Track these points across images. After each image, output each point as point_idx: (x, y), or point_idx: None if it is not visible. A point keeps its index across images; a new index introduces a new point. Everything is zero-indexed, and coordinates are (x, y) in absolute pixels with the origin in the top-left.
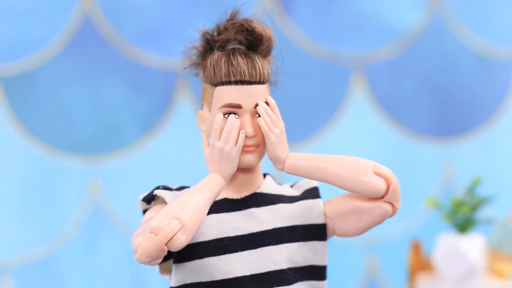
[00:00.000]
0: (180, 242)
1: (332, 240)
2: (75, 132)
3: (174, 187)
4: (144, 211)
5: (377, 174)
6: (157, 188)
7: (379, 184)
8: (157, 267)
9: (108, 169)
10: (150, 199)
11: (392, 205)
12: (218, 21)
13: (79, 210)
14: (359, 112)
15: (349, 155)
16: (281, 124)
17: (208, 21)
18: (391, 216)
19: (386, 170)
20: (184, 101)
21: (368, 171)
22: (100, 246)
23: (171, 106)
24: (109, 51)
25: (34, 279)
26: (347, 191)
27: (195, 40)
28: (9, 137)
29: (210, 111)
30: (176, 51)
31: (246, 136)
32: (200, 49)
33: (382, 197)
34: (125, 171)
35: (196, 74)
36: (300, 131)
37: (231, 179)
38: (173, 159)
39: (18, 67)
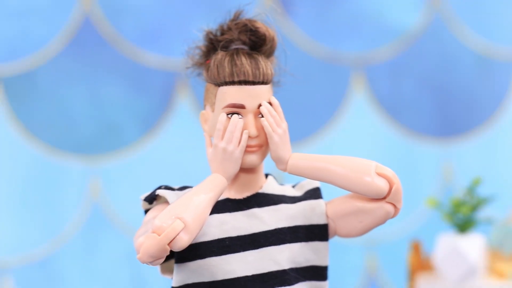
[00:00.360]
0: (183, 242)
1: (332, 240)
2: (75, 132)
3: (176, 187)
4: (146, 211)
5: (379, 174)
6: (159, 188)
7: (382, 185)
8: (158, 267)
9: (108, 169)
10: (152, 199)
11: (394, 206)
12: (221, 21)
13: (79, 210)
14: (359, 112)
15: (349, 155)
16: (284, 125)
17: (208, 21)
18: (393, 217)
19: (388, 171)
20: (184, 101)
21: (371, 172)
22: (100, 246)
23: (171, 106)
24: (109, 51)
25: (34, 279)
26: (349, 192)
27: (198, 40)
28: (9, 137)
29: (213, 111)
30: (176, 51)
31: (249, 136)
32: (203, 49)
33: (384, 198)
34: (125, 171)
35: (199, 74)
36: (300, 131)
37: (233, 179)
38: (173, 159)
39: (18, 67)
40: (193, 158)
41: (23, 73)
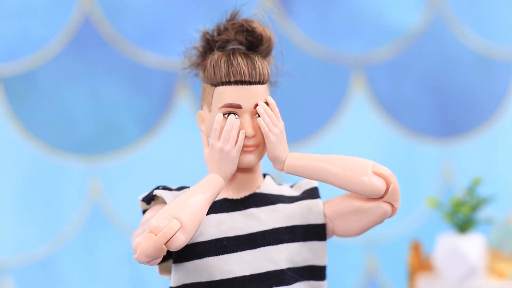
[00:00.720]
0: (180, 241)
1: (332, 240)
2: (75, 132)
3: (174, 187)
4: (144, 211)
5: (376, 174)
6: (157, 188)
7: (379, 184)
8: (156, 267)
9: (108, 169)
10: (149, 199)
11: (392, 205)
12: (218, 21)
13: (79, 210)
14: (359, 112)
15: (349, 155)
16: (281, 124)
17: (208, 21)
18: (390, 216)
19: (385, 170)
20: (184, 101)
21: (368, 171)
22: (100, 246)
23: (171, 106)
24: (109, 51)
25: (34, 279)
26: (347, 191)
27: (195, 41)
28: (9, 137)
29: (210, 111)
30: (176, 51)
31: (246, 136)
32: (200, 49)
33: (381, 197)
34: (125, 171)
35: (196, 75)
36: (300, 131)
37: (231, 179)
38: (173, 159)
39: (18, 67)
40: (193, 158)
41: (23, 73)
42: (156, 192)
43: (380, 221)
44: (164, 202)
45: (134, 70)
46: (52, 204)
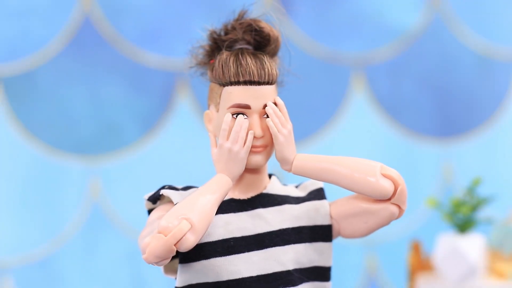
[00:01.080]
0: (189, 242)
1: None
2: (75, 132)
3: (180, 186)
4: (149, 211)
5: (384, 176)
6: (163, 187)
7: (387, 186)
8: (161, 267)
9: (108, 169)
10: (155, 198)
11: (399, 207)
12: (225, 20)
13: (79, 210)
14: (359, 112)
15: (349, 155)
16: (289, 125)
17: (208, 21)
18: (397, 218)
19: (393, 172)
20: (184, 101)
21: (376, 173)
22: (100, 246)
23: (171, 106)
24: (109, 51)
25: (34, 279)
26: (353, 193)
27: (202, 40)
28: (9, 137)
29: (217, 111)
30: (176, 51)
31: (254, 137)
32: (207, 48)
33: (389, 199)
34: (125, 171)
35: (203, 74)
36: (300, 131)
37: (238, 180)
38: (173, 159)
39: (18, 67)
40: (193, 158)
41: (23, 73)
42: (163, 191)
43: (387, 222)
44: (170, 202)
45: (134, 70)
46: (52, 204)
